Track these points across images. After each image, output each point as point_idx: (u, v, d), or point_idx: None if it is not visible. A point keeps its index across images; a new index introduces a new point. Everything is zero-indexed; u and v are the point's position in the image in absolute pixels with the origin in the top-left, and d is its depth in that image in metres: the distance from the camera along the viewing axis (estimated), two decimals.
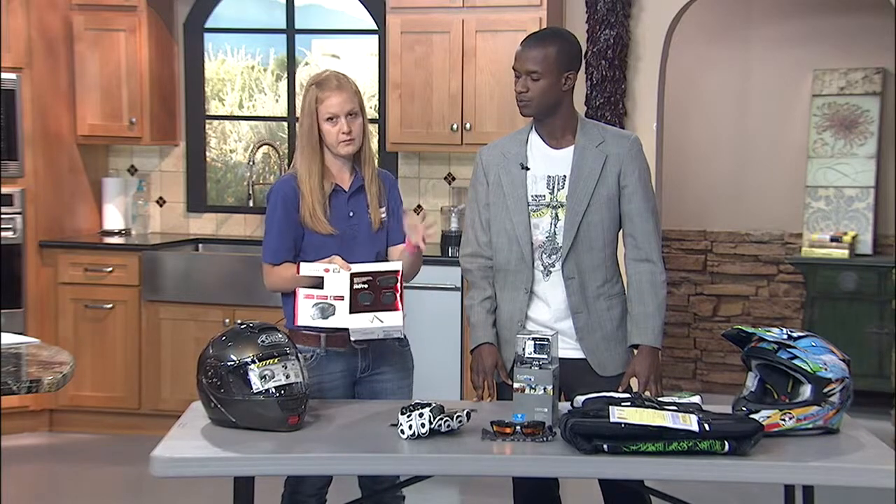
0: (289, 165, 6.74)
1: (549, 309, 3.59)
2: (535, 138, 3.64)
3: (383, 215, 3.72)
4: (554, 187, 3.58)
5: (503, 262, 3.63)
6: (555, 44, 3.54)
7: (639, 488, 3.45)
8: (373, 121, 6.71)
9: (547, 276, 3.59)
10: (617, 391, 3.31)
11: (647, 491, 3.39)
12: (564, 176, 3.57)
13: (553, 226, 3.56)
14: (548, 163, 3.60)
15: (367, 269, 3.52)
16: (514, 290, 3.61)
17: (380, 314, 3.46)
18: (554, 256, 3.57)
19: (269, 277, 3.68)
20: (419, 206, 6.64)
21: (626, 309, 3.63)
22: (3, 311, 6.07)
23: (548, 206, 3.57)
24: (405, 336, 3.75)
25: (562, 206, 3.56)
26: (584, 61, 6.20)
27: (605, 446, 2.92)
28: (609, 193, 3.56)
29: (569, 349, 3.55)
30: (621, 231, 3.65)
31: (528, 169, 3.60)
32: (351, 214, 3.66)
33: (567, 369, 3.46)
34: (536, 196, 3.58)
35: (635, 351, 3.60)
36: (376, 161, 3.80)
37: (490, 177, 3.65)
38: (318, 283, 3.56)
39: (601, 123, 3.76)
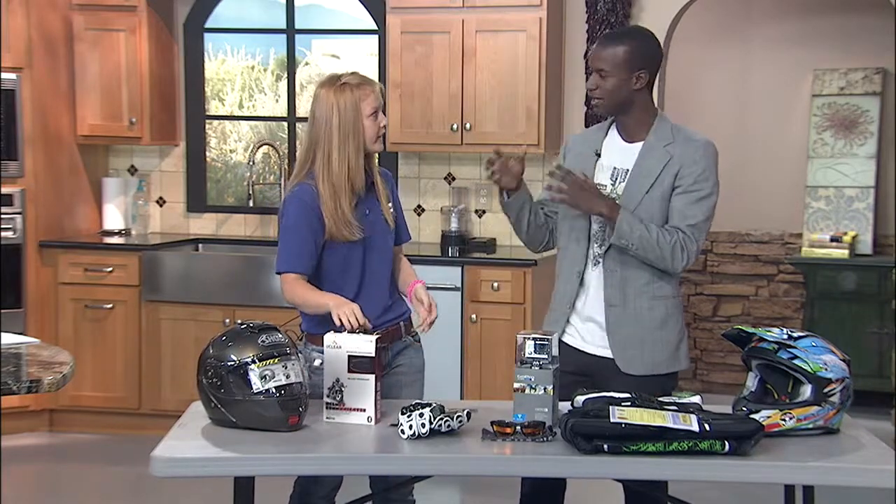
0: (289, 167, 6.80)
1: (594, 299, 3.60)
2: (613, 130, 3.68)
3: (392, 212, 3.75)
4: (616, 179, 3.60)
5: (563, 243, 3.68)
6: (626, 43, 3.56)
7: (662, 497, 3.44)
8: None
9: (595, 265, 3.60)
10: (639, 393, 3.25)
11: (670, 500, 3.38)
12: (627, 170, 3.59)
13: None
14: (618, 155, 3.62)
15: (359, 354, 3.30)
16: (569, 273, 3.64)
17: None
18: (605, 248, 3.58)
19: (289, 292, 3.61)
20: (419, 206, 6.64)
21: (671, 315, 3.60)
22: (3, 311, 6.07)
23: (607, 196, 3.58)
24: (417, 332, 3.78)
25: (619, 198, 3.57)
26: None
27: (605, 446, 2.92)
28: (664, 193, 3.55)
29: (601, 346, 3.58)
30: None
31: (599, 155, 3.62)
32: (367, 213, 3.67)
33: (593, 366, 3.51)
34: (599, 185, 3.59)
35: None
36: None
37: (567, 159, 3.72)
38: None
39: (679, 125, 3.73)
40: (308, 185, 3.60)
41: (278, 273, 3.64)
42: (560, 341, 3.41)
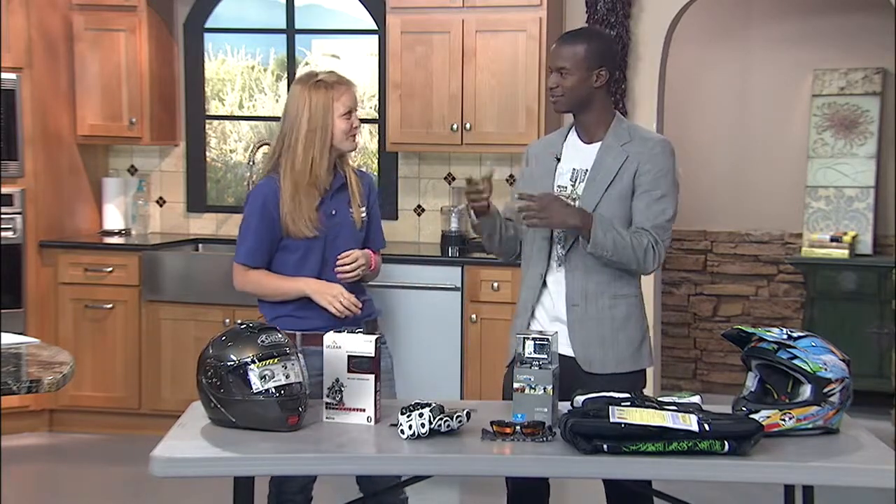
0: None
1: (559, 300, 3.61)
2: (572, 133, 3.71)
3: (364, 215, 3.76)
4: (576, 180, 3.62)
5: (528, 250, 3.70)
6: (585, 41, 3.60)
7: (645, 490, 3.45)
8: (373, 121, 6.72)
9: (560, 267, 3.62)
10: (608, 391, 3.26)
11: (653, 493, 3.39)
12: (586, 170, 3.62)
13: None
14: (577, 156, 3.65)
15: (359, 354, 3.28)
16: (532, 277, 3.66)
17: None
18: (567, 248, 3.60)
19: (242, 280, 3.76)
20: (419, 206, 6.64)
21: (632, 313, 3.63)
22: (3, 311, 6.07)
23: (567, 197, 3.60)
24: (384, 335, 3.81)
25: (578, 198, 3.59)
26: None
27: (605, 446, 2.92)
28: (623, 191, 3.58)
29: (563, 345, 3.56)
30: None
31: (558, 160, 3.65)
32: (333, 213, 3.71)
33: (562, 366, 3.47)
34: (559, 187, 3.63)
35: None
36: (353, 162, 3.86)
37: (531, 165, 3.75)
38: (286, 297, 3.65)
39: (636, 125, 3.81)
40: (273, 178, 3.70)
41: (235, 263, 3.75)
42: None
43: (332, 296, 3.61)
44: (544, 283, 3.64)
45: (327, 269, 3.71)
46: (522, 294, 3.71)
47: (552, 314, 3.62)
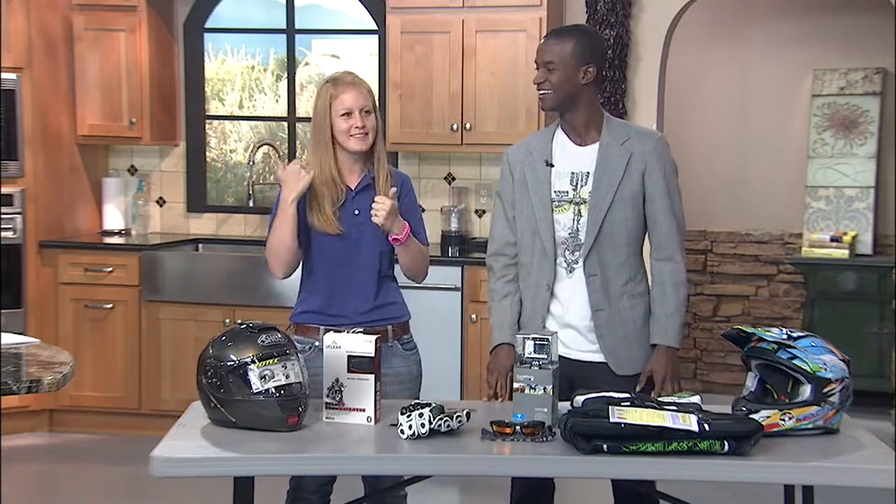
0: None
1: (572, 306, 3.59)
2: (560, 135, 3.65)
3: None
4: (577, 183, 3.58)
5: (527, 259, 3.64)
6: (573, 37, 3.56)
7: (650, 492, 3.45)
8: None
9: (570, 272, 3.59)
10: (635, 391, 3.30)
11: (658, 495, 3.39)
12: (588, 172, 3.58)
13: (575, 222, 3.57)
14: (572, 159, 3.61)
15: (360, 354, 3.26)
16: (536, 287, 3.62)
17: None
18: (577, 253, 3.57)
19: (266, 254, 3.72)
20: (419, 206, 6.63)
21: (647, 311, 3.62)
22: (3, 311, 6.07)
23: (570, 202, 3.58)
24: (413, 341, 3.78)
25: (584, 202, 3.57)
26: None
27: (604, 446, 2.92)
28: (633, 191, 3.56)
29: (588, 352, 3.56)
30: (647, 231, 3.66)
31: (552, 166, 3.60)
32: (356, 213, 3.68)
33: (584, 371, 3.49)
34: (559, 192, 3.59)
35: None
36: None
37: (515, 174, 3.67)
38: (295, 223, 3.62)
39: (626, 122, 3.78)
40: None
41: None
42: None
43: (295, 180, 3.58)
44: (550, 292, 3.61)
45: (352, 268, 3.68)
46: (527, 304, 3.65)
47: (563, 321, 3.59)
